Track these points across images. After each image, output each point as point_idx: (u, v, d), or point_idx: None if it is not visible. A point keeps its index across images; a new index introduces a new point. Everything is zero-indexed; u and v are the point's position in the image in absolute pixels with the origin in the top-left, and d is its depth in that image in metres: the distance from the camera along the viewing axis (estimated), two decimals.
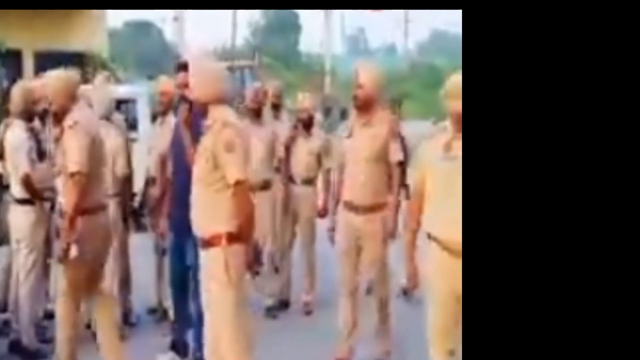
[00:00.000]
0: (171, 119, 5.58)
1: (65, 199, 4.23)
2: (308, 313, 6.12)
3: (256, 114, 5.90)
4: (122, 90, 9.65)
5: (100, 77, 5.96)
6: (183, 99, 4.58)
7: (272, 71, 23.51)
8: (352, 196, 4.73)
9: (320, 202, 6.15)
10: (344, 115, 15.99)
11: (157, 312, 5.80)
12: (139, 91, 10.25)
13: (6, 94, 12.78)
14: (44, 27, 13.06)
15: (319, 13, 33.11)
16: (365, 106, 4.65)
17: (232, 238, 3.65)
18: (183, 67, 4.53)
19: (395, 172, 4.78)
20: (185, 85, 4.23)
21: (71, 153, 4.18)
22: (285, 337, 5.49)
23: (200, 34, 30.69)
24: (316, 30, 41.53)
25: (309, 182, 6.13)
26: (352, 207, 4.73)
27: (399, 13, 44.36)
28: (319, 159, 6.08)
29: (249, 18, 42.49)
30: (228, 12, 25.65)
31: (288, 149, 6.02)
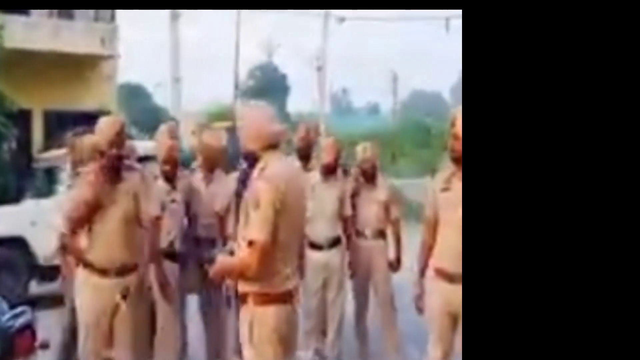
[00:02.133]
0: (220, 175, 5.45)
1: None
2: None
3: (329, 169, 5.58)
4: (148, 146, 9.15)
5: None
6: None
7: None
8: (446, 263, 4.14)
9: (391, 255, 5.85)
10: (345, 173, 15.84)
11: None
12: None
13: (15, 154, 12.81)
14: (53, 86, 12.89)
15: (310, 74, 33.35)
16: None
17: (261, 299, 3.32)
18: None
19: None
20: None
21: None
22: None
23: (198, 96, 30.79)
24: (303, 90, 41.99)
25: (380, 235, 5.82)
26: (446, 275, 4.13)
27: (386, 73, 45.02)
28: (386, 209, 5.80)
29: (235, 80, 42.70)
30: (228, 75, 25.79)
31: (353, 203, 5.73)
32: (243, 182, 4.17)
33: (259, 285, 3.30)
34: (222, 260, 3.45)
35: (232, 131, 18.09)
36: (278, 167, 3.33)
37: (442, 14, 37.25)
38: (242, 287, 3.38)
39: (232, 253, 3.47)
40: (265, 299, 3.31)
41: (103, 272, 4.27)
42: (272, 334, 3.32)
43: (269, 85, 42.28)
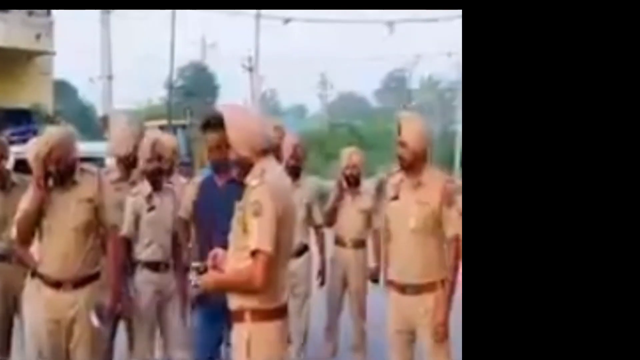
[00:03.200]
0: (178, 179, 5.21)
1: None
2: None
3: (295, 172, 5.20)
4: (87, 148, 8.75)
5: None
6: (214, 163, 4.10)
7: (197, 131, 23.29)
8: (397, 274, 4.02)
9: (372, 264, 5.65)
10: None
11: None
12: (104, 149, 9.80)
13: None
14: None
15: (242, 75, 33.34)
16: (412, 166, 3.96)
17: (258, 315, 3.13)
18: (207, 126, 3.89)
19: (451, 248, 3.88)
20: (218, 146, 3.78)
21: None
22: None
23: (129, 93, 30.06)
24: (234, 90, 41.72)
25: (361, 244, 5.65)
26: (397, 286, 4.02)
27: (313, 76, 45.30)
28: (369, 218, 5.60)
29: (165, 79, 42.12)
30: (158, 74, 25.49)
31: (335, 209, 5.54)
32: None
33: (259, 300, 3.11)
34: (216, 274, 3.22)
35: (165, 130, 17.82)
36: (275, 173, 3.21)
37: (387, 16, 37.53)
38: (238, 303, 3.17)
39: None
40: (264, 315, 3.13)
41: (57, 284, 3.95)
42: (272, 353, 3.17)
43: (199, 85, 41.91)
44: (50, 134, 3.97)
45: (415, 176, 3.94)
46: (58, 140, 3.89)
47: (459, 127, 28.21)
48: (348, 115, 47.87)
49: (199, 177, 4.73)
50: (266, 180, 3.10)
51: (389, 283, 4.08)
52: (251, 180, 3.14)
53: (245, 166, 3.20)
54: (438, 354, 3.91)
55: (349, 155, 5.62)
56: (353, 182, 5.56)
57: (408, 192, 3.97)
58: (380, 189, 11.49)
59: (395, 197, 4.04)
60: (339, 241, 5.63)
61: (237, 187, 3.65)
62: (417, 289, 3.91)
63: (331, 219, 5.57)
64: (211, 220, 3.96)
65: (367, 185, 6.21)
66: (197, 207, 4.26)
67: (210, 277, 3.22)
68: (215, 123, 3.77)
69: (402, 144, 3.93)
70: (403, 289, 3.96)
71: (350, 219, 5.55)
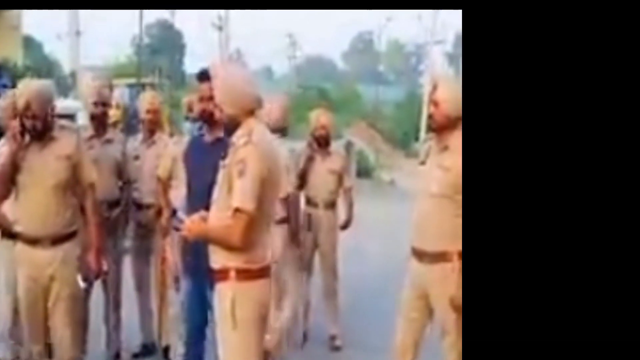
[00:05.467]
0: (161, 138, 5.13)
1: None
2: (336, 348, 5.50)
3: (278, 133, 5.01)
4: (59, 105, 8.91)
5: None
6: (203, 115, 3.87)
7: (166, 89, 23.20)
8: (415, 240, 3.84)
9: (342, 217, 5.71)
10: None
11: (152, 353, 5.06)
12: (76, 106, 9.94)
13: None
14: None
15: (211, 34, 33.14)
16: (442, 129, 3.73)
17: (243, 274, 3.14)
18: (204, 77, 3.78)
19: None
20: (210, 98, 3.59)
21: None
22: None
23: (96, 51, 29.51)
24: (202, 50, 41.43)
25: (332, 205, 5.62)
26: (415, 252, 3.84)
27: (281, 38, 45.04)
28: (340, 179, 5.61)
29: (131, 37, 41.61)
30: (129, 31, 25.15)
31: (306, 170, 5.49)
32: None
33: (242, 259, 3.13)
34: (200, 223, 3.21)
35: (133, 88, 17.60)
36: (261, 133, 3.17)
37: None
38: (223, 262, 3.17)
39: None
40: (248, 274, 3.14)
41: (34, 242, 3.85)
42: (257, 312, 3.19)
43: (165, 43, 41.47)
44: (27, 86, 3.84)
45: (443, 140, 3.73)
46: (35, 94, 3.76)
47: (424, 91, 28.33)
48: (316, 77, 47.80)
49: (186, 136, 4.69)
50: (253, 140, 3.08)
51: (410, 250, 3.91)
52: (238, 139, 3.13)
53: (232, 125, 3.20)
54: (449, 323, 3.67)
55: (318, 116, 5.59)
56: (323, 143, 5.54)
57: (434, 155, 3.79)
58: (348, 150, 11.88)
59: (423, 162, 3.90)
60: (310, 202, 5.59)
61: (224, 146, 3.63)
62: (434, 257, 3.72)
63: (302, 180, 5.46)
64: (196, 177, 3.89)
65: (336, 146, 6.31)
66: (186, 162, 4.13)
67: (195, 225, 3.21)
68: (206, 75, 3.68)
69: (435, 103, 3.71)
70: (420, 256, 3.79)
71: (321, 180, 5.53)
